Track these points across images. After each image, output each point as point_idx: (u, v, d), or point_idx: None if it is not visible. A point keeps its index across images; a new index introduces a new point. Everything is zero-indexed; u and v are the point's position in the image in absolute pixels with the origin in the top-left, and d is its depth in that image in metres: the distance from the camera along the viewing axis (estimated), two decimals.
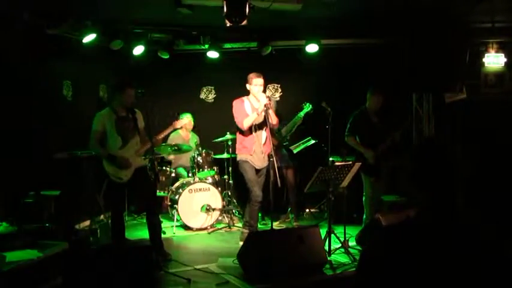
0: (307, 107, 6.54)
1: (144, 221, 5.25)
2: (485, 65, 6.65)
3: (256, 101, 5.44)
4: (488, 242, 1.57)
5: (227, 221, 6.65)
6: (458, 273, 1.50)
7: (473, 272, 1.50)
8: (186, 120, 5.68)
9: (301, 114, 6.54)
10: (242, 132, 5.50)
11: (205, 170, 6.68)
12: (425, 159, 1.68)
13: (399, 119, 5.75)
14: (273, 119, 5.43)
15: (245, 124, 5.37)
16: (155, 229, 4.93)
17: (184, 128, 7.23)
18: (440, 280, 1.49)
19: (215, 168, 6.85)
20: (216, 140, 6.82)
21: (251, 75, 5.46)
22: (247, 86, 5.47)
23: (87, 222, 6.14)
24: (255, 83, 5.41)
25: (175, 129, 5.57)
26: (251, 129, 5.45)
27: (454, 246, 1.53)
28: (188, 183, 6.47)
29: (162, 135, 5.18)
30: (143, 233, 5.89)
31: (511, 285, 1.53)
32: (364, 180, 5.67)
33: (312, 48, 6.83)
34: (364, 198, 5.71)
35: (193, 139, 7.28)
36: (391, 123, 5.64)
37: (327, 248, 4.95)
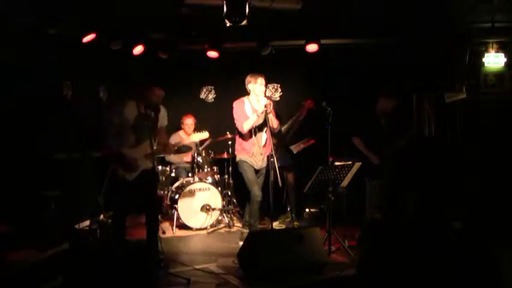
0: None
1: (144, 221, 5.23)
2: (485, 65, 6.64)
3: (256, 101, 5.44)
4: (472, 242, 1.58)
5: (227, 221, 6.65)
6: (444, 273, 1.51)
7: (459, 272, 1.52)
8: (197, 138, 5.58)
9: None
10: (242, 135, 5.49)
11: (205, 170, 6.68)
12: (420, 160, 1.68)
13: (406, 125, 5.71)
14: (274, 123, 5.42)
15: (245, 127, 5.36)
16: (152, 231, 4.88)
17: (184, 131, 7.24)
18: (432, 279, 1.50)
19: (215, 168, 6.85)
20: (217, 140, 6.82)
21: (252, 76, 5.43)
22: (249, 86, 5.45)
23: (87, 222, 6.14)
24: (260, 83, 5.40)
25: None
26: (251, 132, 5.44)
27: (439, 247, 1.55)
28: (188, 183, 6.47)
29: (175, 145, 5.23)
30: (143, 233, 5.88)
31: (493, 284, 1.54)
32: (368, 182, 5.63)
33: (312, 48, 6.82)
34: (367, 200, 5.66)
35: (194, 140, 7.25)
36: (399, 127, 5.58)
37: (327, 248, 4.95)
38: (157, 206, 5.11)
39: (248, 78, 5.47)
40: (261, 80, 5.40)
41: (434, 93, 6.87)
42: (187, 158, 7.09)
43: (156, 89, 4.76)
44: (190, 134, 7.21)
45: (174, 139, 7.12)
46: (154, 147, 4.82)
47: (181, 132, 7.28)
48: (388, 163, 5.50)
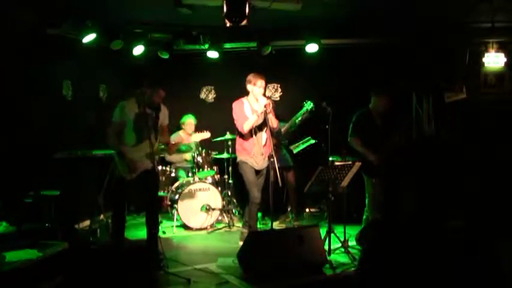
0: (308, 105, 6.50)
1: (144, 220, 5.24)
2: (485, 65, 6.63)
3: (255, 101, 5.43)
4: (473, 242, 1.59)
5: (227, 221, 6.65)
6: (446, 272, 1.51)
7: (459, 271, 1.52)
8: (199, 138, 5.45)
9: (301, 112, 6.50)
10: (242, 135, 5.48)
11: (205, 170, 6.68)
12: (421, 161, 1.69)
13: (401, 121, 5.72)
14: (274, 122, 5.41)
15: (245, 127, 5.35)
16: (152, 231, 4.85)
17: (185, 130, 7.24)
18: (434, 278, 1.51)
19: (215, 168, 6.85)
20: (216, 139, 6.82)
21: (253, 76, 5.38)
22: (249, 86, 5.43)
23: (87, 222, 6.14)
24: (259, 85, 5.37)
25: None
26: (251, 132, 5.43)
27: (441, 247, 1.55)
28: (188, 183, 6.47)
29: (175, 146, 5.19)
30: (143, 233, 5.88)
31: (495, 283, 1.54)
32: (366, 180, 5.63)
33: (312, 48, 6.82)
34: (367, 200, 5.66)
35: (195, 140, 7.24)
36: (395, 125, 5.58)
37: (327, 248, 4.94)
38: (158, 205, 5.10)
39: (249, 78, 5.41)
40: (260, 83, 5.37)
41: (434, 93, 6.87)
42: (187, 158, 7.09)
43: (160, 90, 4.75)
44: (191, 134, 7.23)
45: (174, 139, 7.12)
46: (156, 147, 4.82)
47: (181, 132, 7.28)
48: (385, 162, 5.52)
